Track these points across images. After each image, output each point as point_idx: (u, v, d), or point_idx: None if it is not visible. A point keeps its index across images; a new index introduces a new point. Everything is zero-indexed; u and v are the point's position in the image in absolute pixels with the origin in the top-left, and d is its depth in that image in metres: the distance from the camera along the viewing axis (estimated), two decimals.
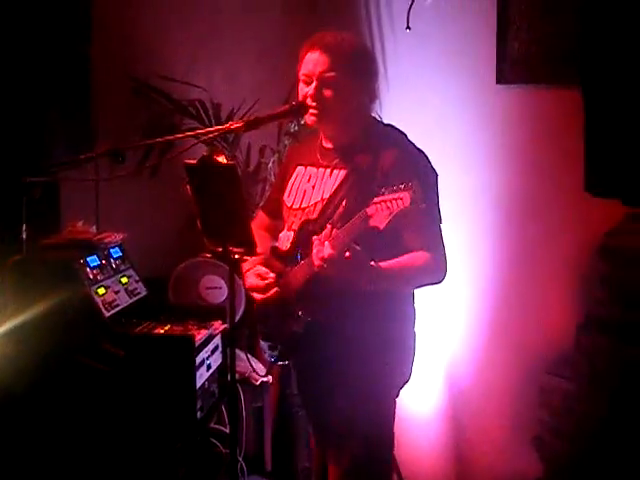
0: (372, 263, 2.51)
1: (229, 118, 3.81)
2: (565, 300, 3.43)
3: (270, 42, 4.27)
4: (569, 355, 3.34)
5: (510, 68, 3.51)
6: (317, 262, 2.49)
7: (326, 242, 2.47)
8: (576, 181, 3.24)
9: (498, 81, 3.53)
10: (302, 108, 2.68)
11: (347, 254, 2.45)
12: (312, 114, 2.70)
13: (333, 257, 2.45)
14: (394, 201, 2.36)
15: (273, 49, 4.24)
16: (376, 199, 2.40)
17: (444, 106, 3.70)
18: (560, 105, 3.38)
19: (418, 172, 2.52)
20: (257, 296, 2.83)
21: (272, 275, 2.78)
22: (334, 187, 2.72)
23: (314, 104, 2.68)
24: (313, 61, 2.68)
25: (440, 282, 2.67)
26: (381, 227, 2.40)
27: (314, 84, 2.68)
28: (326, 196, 2.73)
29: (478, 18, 3.58)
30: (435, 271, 2.65)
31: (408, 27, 3.70)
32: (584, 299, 3.37)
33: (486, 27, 3.52)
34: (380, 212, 2.39)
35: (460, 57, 3.64)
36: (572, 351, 3.32)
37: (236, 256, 2.55)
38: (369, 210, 2.41)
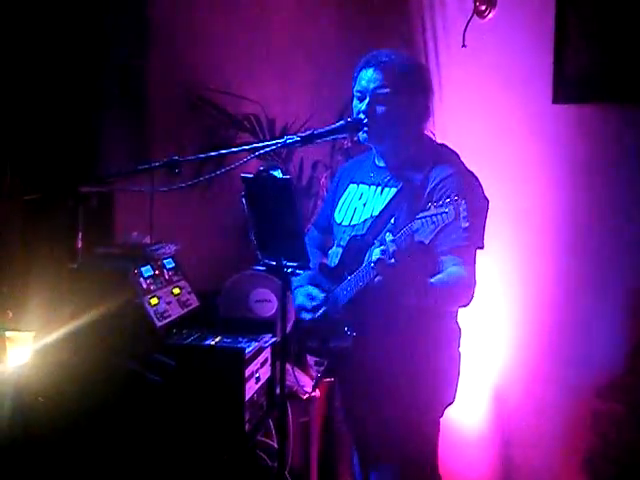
0: (426, 279, 2.50)
1: (283, 133, 3.83)
2: (619, 323, 3.39)
3: (324, 58, 4.29)
4: (621, 379, 3.29)
5: (566, 87, 3.49)
6: (383, 257, 2.43)
7: (389, 242, 2.43)
8: (632, 201, 3.21)
9: (554, 100, 3.51)
10: (358, 124, 2.69)
11: (408, 257, 2.42)
12: (364, 130, 2.71)
13: (399, 252, 2.40)
14: (439, 215, 2.35)
15: (327, 65, 4.25)
16: (421, 214, 2.39)
17: (499, 124, 3.69)
18: (617, 125, 3.35)
19: (466, 194, 2.51)
20: (305, 315, 2.85)
21: (321, 297, 2.79)
22: (384, 204, 2.72)
23: (366, 120, 2.69)
24: (367, 78, 2.69)
25: (467, 305, 2.65)
26: (426, 242, 2.38)
27: (367, 100, 2.69)
28: (375, 213, 2.73)
29: (535, 37, 3.57)
30: (469, 293, 2.63)
31: (464, 45, 3.70)
32: (638, 322, 3.32)
33: (543, 46, 3.51)
34: (425, 227, 2.37)
35: (516, 76, 3.64)
36: (624, 375, 3.27)
37: (289, 270, 2.56)
38: (414, 225, 2.40)
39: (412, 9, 4.11)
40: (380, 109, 2.68)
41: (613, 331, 3.38)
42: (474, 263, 2.64)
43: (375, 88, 2.67)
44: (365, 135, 2.72)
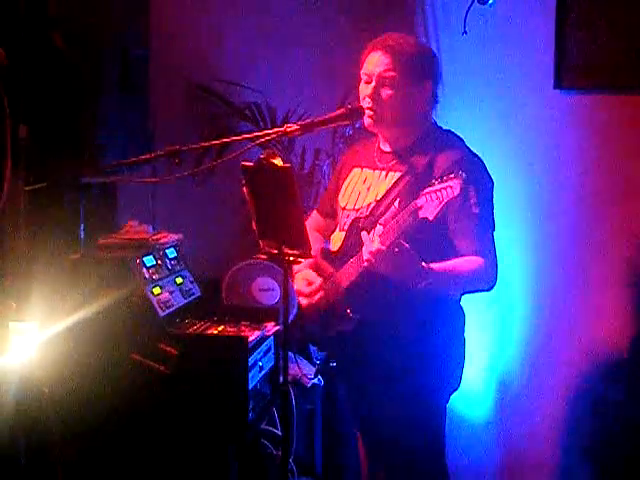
0: (423, 264, 2.49)
1: (285, 121, 3.82)
2: (622, 308, 3.38)
3: (326, 46, 4.27)
4: (624, 364, 3.29)
5: (568, 74, 3.49)
6: (366, 256, 2.48)
7: (376, 237, 2.46)
8: (635, 187, 3.20)
9: (556, 86, 3.50)
10: (358, 112, 2.68)
11: (396, 250, 2.43)
12: (369, 115, 2.70)
13: (381, 252, 2.43)
14: (443, 190, 2.35)
15: (329, 53, 4.24)
16: (426, 190, 2.38)
17: (500, 110, 3.68)
18: (618, 111, 3.35)
19: (473, 177, 2.50)
20: (303, 301, 2.84)
21: (319, 281, 2.78)
22: (388, 188, 2.72)
23: (371, 104, 2.68)
24: (374, 61, 2.68)
25: (489, 289, 2.65)
26: (431, 217, 2.37)
27: (373, 83, 2.68)
28: (379, 197, 2.73)
29: (537, 23, 3.56)
30: (486, 277, 2.62)
31: (465, 32, 3.69)
32: None
33: (545, 32, 3.50)
34: (430, 202, 2.36)
35: (518, 62, 3.63)
36: (629, 362, 3.27)
37: (291, 258, 2.56)
38: (419, 201, 2.39)
39: None
40: (386, 93, 2.67)
41: (616, 318, 3.38)
42: (493, 247, 2.63)
43: (382, 72, 2.66)
44: (370, 120, 2.71)
